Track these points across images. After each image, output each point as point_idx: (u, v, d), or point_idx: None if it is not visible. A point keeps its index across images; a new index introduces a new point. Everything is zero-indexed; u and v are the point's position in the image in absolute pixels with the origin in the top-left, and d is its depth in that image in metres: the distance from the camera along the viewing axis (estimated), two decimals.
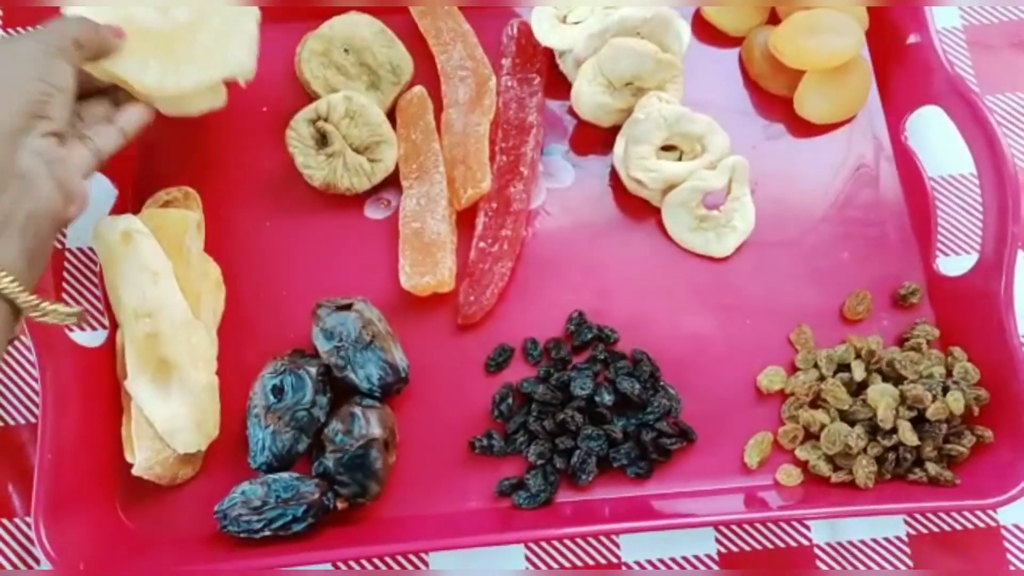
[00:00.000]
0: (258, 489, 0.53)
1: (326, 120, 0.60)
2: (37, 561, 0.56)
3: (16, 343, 0.60)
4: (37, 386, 0.52)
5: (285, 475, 0.54)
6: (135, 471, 0.54)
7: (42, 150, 0.47)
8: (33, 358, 0.52)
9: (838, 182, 0.64)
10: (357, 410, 0.55)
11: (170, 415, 0.55)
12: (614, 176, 0.63)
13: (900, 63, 0.65)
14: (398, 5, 0.65)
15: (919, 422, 0.55)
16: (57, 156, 0.48)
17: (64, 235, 0.63)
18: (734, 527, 0.57)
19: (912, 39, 0.63)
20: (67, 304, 0.51)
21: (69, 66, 0.49)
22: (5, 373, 0.60)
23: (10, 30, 0.68)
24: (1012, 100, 0.68)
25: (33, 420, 0.57)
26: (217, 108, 0.58)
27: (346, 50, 0.62)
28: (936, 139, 0.65)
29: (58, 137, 0.48)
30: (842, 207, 0.63)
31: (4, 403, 0.59)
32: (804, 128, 0.65)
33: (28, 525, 0.56)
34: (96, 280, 0.62)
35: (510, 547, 0.56)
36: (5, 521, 0.57)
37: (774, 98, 0.66)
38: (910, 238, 0.63)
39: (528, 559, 0.56)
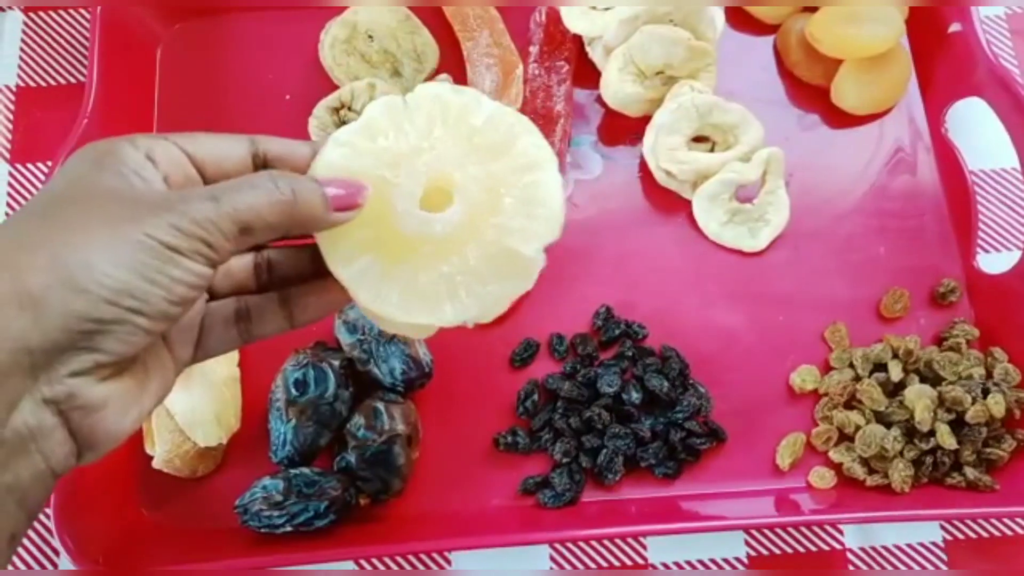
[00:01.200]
0: (279, 484, 0.52)
1: (349, 108, 0.58)
2: (57, 553, 0.56)
3: None
4: None
5: (307, 470, 0.53)
6: (155, 464, 0.54)
7: (60, 397, 0.29)
8: None
9: (875, 175, 0.62)
10: (380, 405, 0.54)
11: (190, 408, 0.54)
12: (644, 167, 0.61)
13: (941, 53, 0.63)
14: None
15: (958, 425, 0.53)
16: (86, 403, 0.30)
17: None
18: (765, 530, 0.56)
19: (954, 28, 0.61)
20: None
21: (178, 268, 0.30)
22: None
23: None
24: None
25: None
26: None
27: (370, 37, 0.61)
28: (978, 132, 0.63)
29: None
30: (879, 200, 0.62)
31: None
32: (841, 119, 0.63)
33: (48, 518, 0.55)
34: None
35: (535, 546, 0.55)
36: None
37: (810, 88, 0.64)
38: (949, 233, 0.61)
39: (552, 559, 0.55)
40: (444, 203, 0.37)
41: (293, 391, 0.54)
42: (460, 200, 0.37)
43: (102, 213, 0.30)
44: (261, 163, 0.36)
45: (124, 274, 0.29)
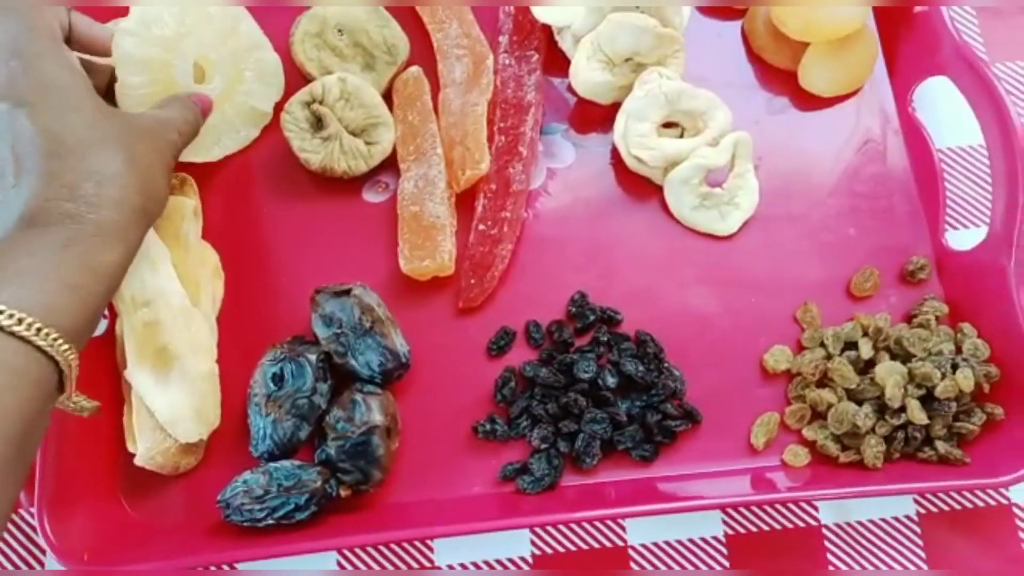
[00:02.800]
0: (260, 478, 0.53)
1: (321, 103, 0.59)
2: (43, 551, 0.56)
3: None
4: None
5: (287, 463, 0.53)
6: (137, 461, 0.54)
7: None
8: None
9: (844, 156, 0.63)
10: (358, 397, 0.54)
11: (170, 404, 0.54)
12: (615, 154, 0.62)
13: (907, 32, 0.63)
14: None
15: (928, 400, 0.54)
16: None
17: None
18: (741, 508, 0.56)
19: (919, 8, 0.62)
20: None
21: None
22: None
23: None
24: (1022, 67, 0.67)
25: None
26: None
27: (340, 31, 0.61)
28: (945, 110, 0.64)
29: None
30: (849, 181, 0.62)
31: None
32: (809, 101, 0.64)
33: (32, 516, 0.56)
34: None
35: (515, 532, 0.56)
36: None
37: (778, 71, 0.64)
38: (918, 211, 0.61)
39: (533, 543, 0.56)
40: (204, 76, 0.57)
41: (271, 385, 0.54)
42: (218, 73, 0.58)
43: (149, 147, 0.50)
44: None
45: (166, 191, 0.52)
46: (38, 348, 0.41)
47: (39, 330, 0.40)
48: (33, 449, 0.42)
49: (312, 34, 0.61)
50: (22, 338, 0.40)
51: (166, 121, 0.52)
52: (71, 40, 0.52)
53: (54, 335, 0.41)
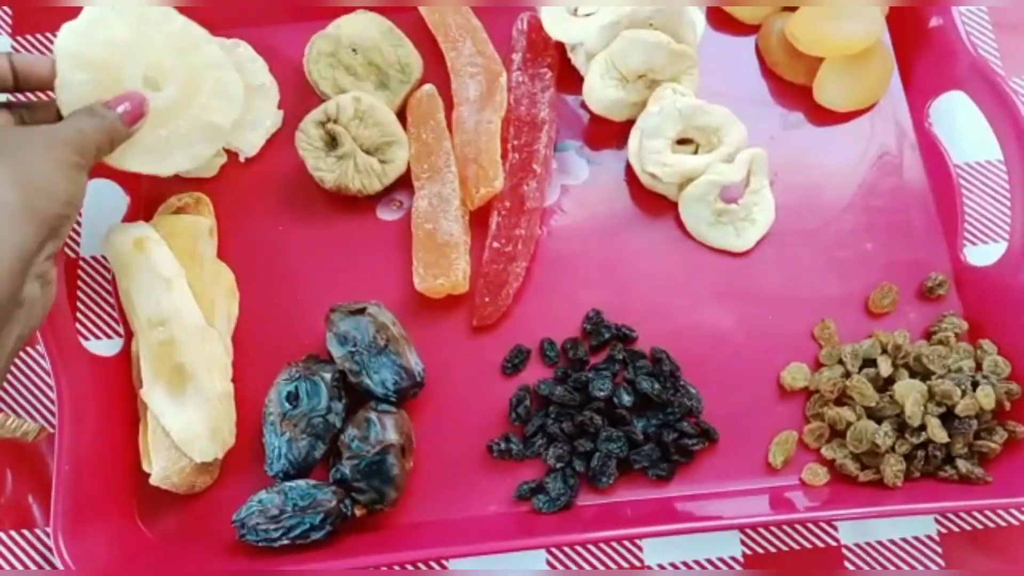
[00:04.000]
0: (275, 498, 0.52)
1: (335, 122, 0.59)
2: (59, 572, 0.56)
3: (31, 351, 0.60)
4: (54, 395, 0.52)
5: (302, 483, 0.53)
6: (152, 481, 0.54)
7: (42, 272, 0.45)
8: (48, 367, 0.52)
9: (860, 171, 0.62)
10: (373, 415, 0.54)
11: (186, 424, 0.54)
12: (629, 171, 0.62)
13: (922, 47, 0.63)
14: (406, 4, 0.64)
15: (948, 418, 0.53)
16: (52, 278, 0.47)
17: (78, 243, 0.63)
18: (760, 528, 0.56)
19: (934, 22, 0.61)
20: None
21: (86, 179, 0.48)
22: (22, 383, 0.60)
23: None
24: None
25: (51, 430, 0.56)
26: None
27: (354, 50, 0.62)
28: (961, 125, 0.63)
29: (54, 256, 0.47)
30: (865, 197, 0.62)
31: (22, 414, 0.59)
32: (824, 116, 0.63)
33: (48, 535, 0.56)
34: (110, 288, 0.61)
35: (531, 552, 0.55)
36: (26, 532, 0.57)
37: (792, 86, 0.64)
38: (936, 227, 0.61)
39: (549, 564, 0.56)
40: (159, 85, 0.54)
41: (286, 404, 0.54)
42: (172, 83, 0.54)
43: (36, 146, 0.46)
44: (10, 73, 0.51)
45: (69, 186, 0.46)
46: None
47: None
48: None
49: (326, 53, 0.61)
50: None
51: (59, 125, 0.50)
52: (18, 82, 0.51)
53: None
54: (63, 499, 0.51)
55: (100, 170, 0.55)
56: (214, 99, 0.56)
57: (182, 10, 0.55)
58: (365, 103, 0.59)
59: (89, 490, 0.53)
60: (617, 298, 0.60)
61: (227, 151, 0.64)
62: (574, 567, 0.56)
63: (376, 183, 0.61)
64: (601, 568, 0.55)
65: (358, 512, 0.54)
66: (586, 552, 0.56)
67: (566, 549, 0.56)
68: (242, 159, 0.64)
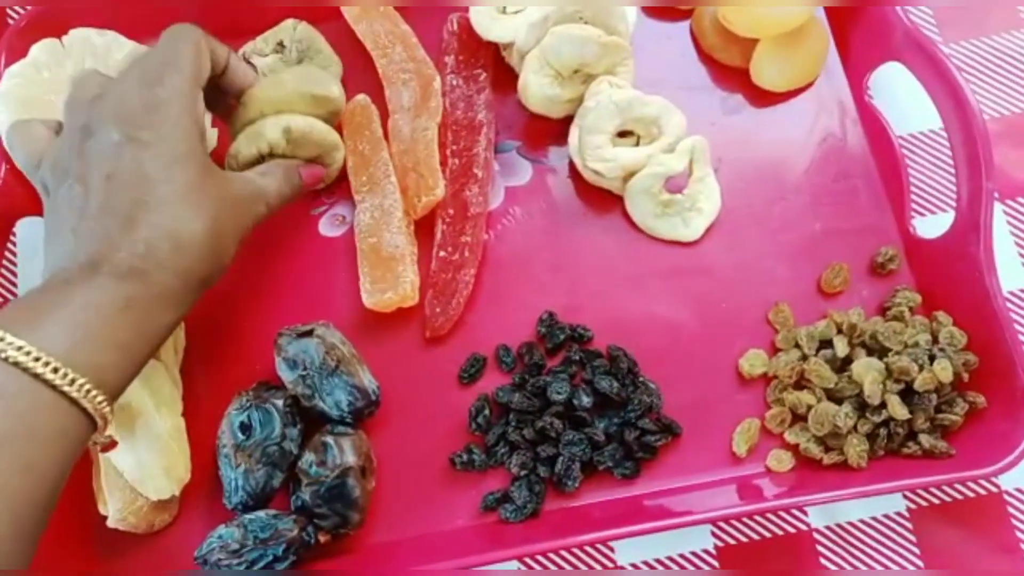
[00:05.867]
0: (235, 531, 0.51)
1: (271, 155, 0.55)
2: None
3: None
4: None
5: (262, 514, 0.52)
6: (109, 523, 0.53)
7: None
8: None
9: (804, 151, 0.62)
10: (329, 439, 0.53)
11: (137, 463, 0.53)
12: (573, 168, 0.61)
13: (857, 20, 0.62)
14: (331, 4, 0.63)
15: (908, 394, 0.53)
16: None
17: (14, 283, 0.61)
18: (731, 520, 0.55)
19: None
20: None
21: None
22: None
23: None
24: (978, 46, 0.66)
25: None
26: None
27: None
28: (902, 96, 0.63)
29: None
30: (811, 176, 0.61)
31: None
32: (764, 98, 0.63)
33: None
34: None
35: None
36: None
37: (730, 70, 0.63)
38: (883, 201, 0.60)
39: (520, 570, 0.55)
40: None
41: (239, 435, 0.53)
42: None
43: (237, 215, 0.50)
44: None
45: (232, 257, 0.50)
46: (79, 405, 0.41)
47: (87, 391, 0.41)
48: (58, 493, 0.42)
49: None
50: (66, 395, 0.40)
51: (260, 191, 0.51)
52: (224, 77, 0.53)
53: (95, 392, 0.41)
54: None
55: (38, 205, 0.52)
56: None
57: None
58: (296, 131, 0.55)
59: (44, 539, 0.51)
60: (570, 298, 0.59)
61: None
62: (549, 566, 0.55)
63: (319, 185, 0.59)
64: (574, 570, 0.55)
65: (322, 538, 0.53)
66: (557, 557, 0.55)
67: (538, 557, 0.55)
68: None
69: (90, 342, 0.41)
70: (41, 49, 0.58)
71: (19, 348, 0.39)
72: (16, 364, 0.39)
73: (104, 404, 0.42)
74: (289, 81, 0.55)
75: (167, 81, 0.47)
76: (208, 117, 0.59)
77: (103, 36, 0.60)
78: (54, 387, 0.40)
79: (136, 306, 0.43)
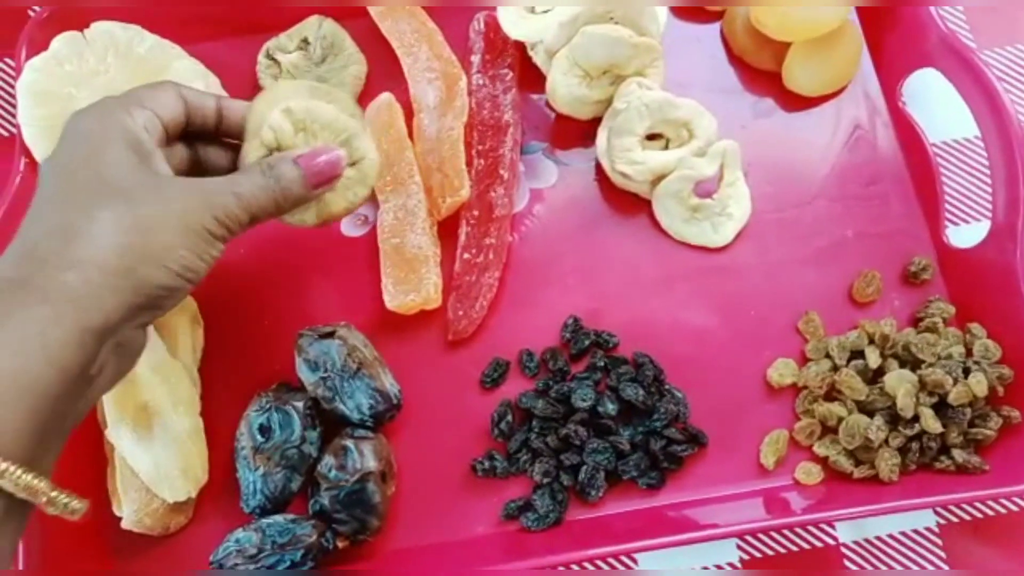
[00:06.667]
0: (252, 536, 0.50)
1: (280, 149, 0.48)
2: None
3: None
4: None
5: (280, 518, 0.51)
6: (124, 524, 0.52)
7: (124, 341, 0.41)
8: None
9: (835, 156, 0.61)
10: (349, 443, 0.52)
11: (154, 464, 0.52)
12: (600, 170, 0.60)
13: (891, 25, 0.61)
14: (356, 4, 0.62)
15: (941, 407, 0.52)
16: (136, 347, 0.43)
17: None
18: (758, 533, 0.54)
19: None
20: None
21: (218, 250, 0.43)
22: None
23: None
24: (1013, 53, 0.65)
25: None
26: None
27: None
28: (936, 103, 0.61)
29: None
30: (842, 182, 0.60)
31: None
32: (795, 102, 0.62)
33: None
34: None
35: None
36: None
37: (761, 73, 0.62)
38: (916, 210, 0.59)
39: None
40: None
41: (258, 437, 0.52)
42: None
43: (171, 202, 0.40)
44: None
45: (189, 257, 0.40)
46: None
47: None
48: None
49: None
50: None
51: (223, 183, 0.43)
52: (223, 123, 0.47)
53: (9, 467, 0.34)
54: (32, 553, 0.49)
55: None
56: None
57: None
58: (298, 111, 0.48)
59: (58, 542, 0.50)
60: (595, 303, 0.58)
61: None
62: None
63: (362, 190, 0.50)
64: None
65: (340, 544, 0.52)
66: (578, 567, 0.54)
67: (560, 567, 0.54)
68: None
69: None
70: (62, 42, 0.58)
71: None
72: None
73: (23, 475, 0.35)
74: (287, 85, 0.50)
75: (93, 109, 0.43)
76: None
77: (126, 30, 0.59)
78: None
79: (10, 323, 0.35)
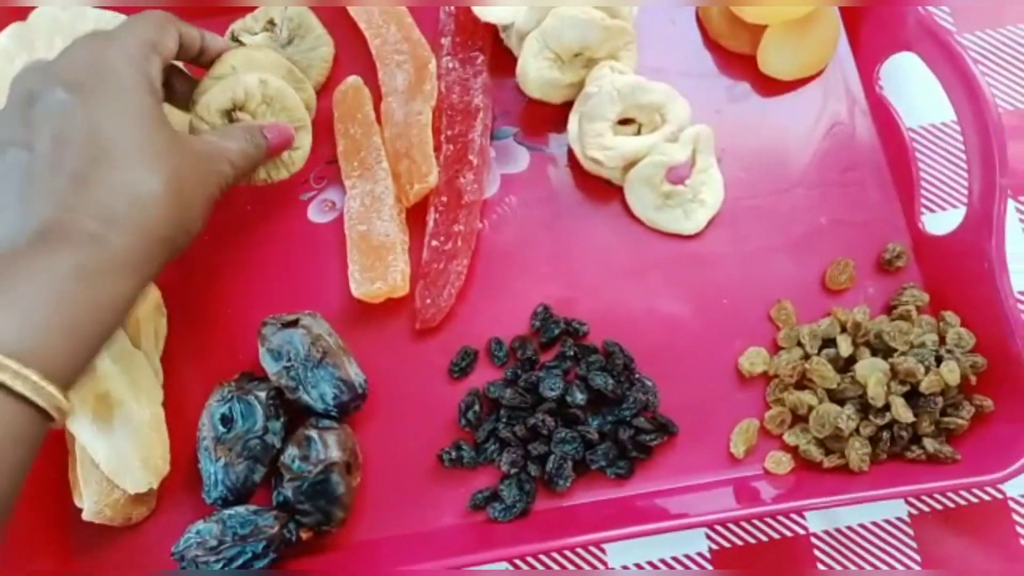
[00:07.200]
0: (213, 527, 0.49)
1: (242, 109, 0.53)
2: None
3: None
4: None
5: (241, 509, 0.50)
6: (85, 516, 0.51)
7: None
8: None
9: (811, 142, 0.60)
10: (313, 433, 0.51)
11: (115, 454, 0.51)
12: (572, 156, 0.59)
13: (869, 8, 0.60)
14: None
15: (913, 396, 0.51)
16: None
17: None
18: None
19: None
20: None
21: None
22: None
23: None
24: (993, 37, 0.63)
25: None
26: None
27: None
28: (914, 87, 0.60)
29: None
30: (817, 168, 0.59)
31: None
32: (771, 86, 0.60)
33: None
34: None
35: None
36: None
37: (737, 57, 0.61)
38: (892, 196, 0.58)
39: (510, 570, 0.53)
40: None
41: (219, 428, 0.51)
42: None
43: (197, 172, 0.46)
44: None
45: (202, 222, 0.47)
46: (29, 401, 0.37)
47: (38, 386, 0.37)
48: (14, 495, 0.40)
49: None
50: (14, 392, 0.37)
51: (221, 149, 0.48)
52: (202, 56, 0.52)
53: (46, 384, 0.38)
54: None
55: None
56: None
57: None
58: (273, 87, 0.53)
59: (17, 533, 0.49)
60: (565, 291, 0.57)
61: None
62: (538, 566, 0.53)
63: (283, 172, 0.55)
64: (563, 570, 0.53)
65: (304, 535, 0.51)
66: (547, 558, 0.54)
67: (528, 557, 0.53)
68: None
69: (40, 327, 0.38)
70: (8, 37, 0.56)
71: None
72: None
73: (58, 396, 0.38)
74: (269, 55, 0.55)
75: (116, 43, 0.44)
76: None
77: (66, 11, 0.57)
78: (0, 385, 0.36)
79: (91, 275, 0.40)
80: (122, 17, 0.57)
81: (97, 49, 0.44)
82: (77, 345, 0.40)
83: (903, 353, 0.52)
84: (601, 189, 0.58)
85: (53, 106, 0.42)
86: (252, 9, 0.61)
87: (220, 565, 0.49)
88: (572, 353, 0.55)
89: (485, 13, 0.57)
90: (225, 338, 0.56)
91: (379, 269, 0.55)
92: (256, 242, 0.58)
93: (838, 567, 0.53)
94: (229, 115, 0.53)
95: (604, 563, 0.53)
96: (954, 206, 0.59)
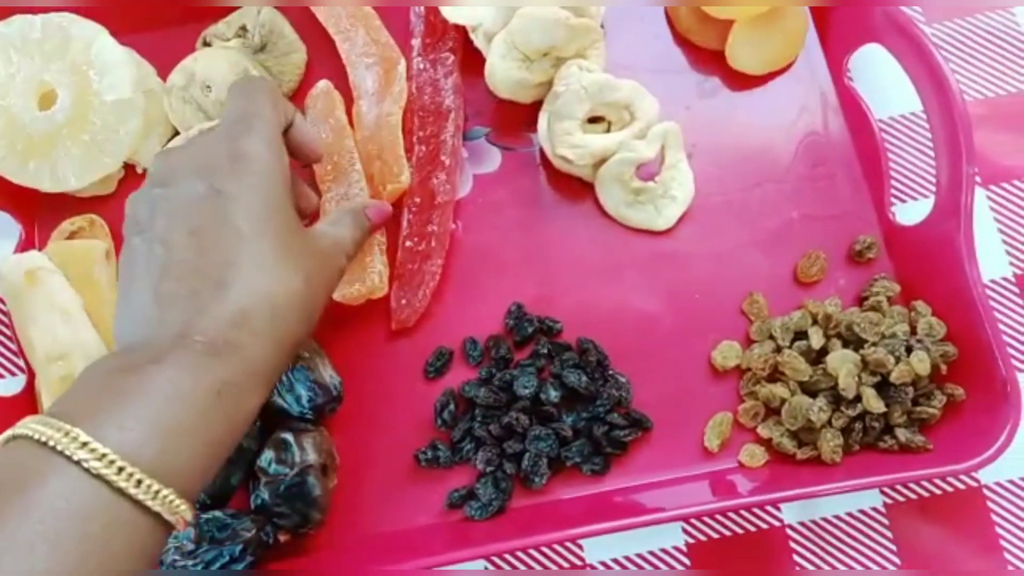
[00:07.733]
0: (189, 531, 0.50)
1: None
2: None
3: None
4: None
5: (219, 513, 0.51)
6: None
7: None
8: None
9: (782, 136, 0.60)
10: (289, 436, 0.51)
11: None
12: (544, 155, 0.59)
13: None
14: None
15: (884, 387, 0.51)
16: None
17: None
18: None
19: None
20: None
21: None
22: None
23: None
24: (962, 26, 0.63)
25: None
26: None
27: (208, 87, 0.58)
28: (883, 78, 0.60)
29: None
30: (787, 162, 0.59)
31: None
32: (740, 81, 0.60)
33: None
34: (7, 323, 0.58)
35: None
36: None
37: (706, 52, 0.61)
38: (862, 188, 0.58)
39: (487, 570, 0.54)
40: (53, 99, 0.55)
41: None
42: (62, 92, 0.55)
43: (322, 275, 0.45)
44: None
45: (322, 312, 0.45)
46: (160, 517, 0.34)
47: (170, 502, 0.34)
48: None
49: (179, 87, 0.58)
50: (149, 508, 0.33)
51: (339, 242, 0.47)
52: (287, 135, 0.47)
53: (179, 502, 0.34)
54: None
55: None
56: (104, 76, 0.56)
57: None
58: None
59: None
60: (539, 289, 0.57)
61: (125, 164, 0.60)
62: (518, 564, 0.53)
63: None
64: (542, 569, 0.53)
65: (282, 538, 0.51)
66: (525, 555, 0.54)
67: (506, 555, 0.54)
68: (139, 171, 0.60)
69: (179, 444, 0.35)
70: None
71: (97, 453, 0.32)
72: (90, 471, 0.32)
73: (187, 512, 0.35)
74: (231, 54, 0.59)
75: (253, 132, 0.42)
76: None
77: (9, 24, 0.56)
78: (135, 501, 0.33)
79: (231, 390, 0.37)
80: (69, 15, 0.56)
81: (236, 142, 0.42)
82: (209, 463, 0.37)
83: (874, 344, 0.52)
84: (573, 188, 0.59)
85: (191, 199, 0.40)
86: (224, 15, 0.61)
87: (199, 568, 0.49)
88: (546, 351, 0.55)
89: (452, 14, 0.58)
90: None
91: (356, 271, 0.55)
92: None
93: (814, 558, 0.53)
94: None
95: (581, 559, 0.54)
96: (924, 196, 0.59)
